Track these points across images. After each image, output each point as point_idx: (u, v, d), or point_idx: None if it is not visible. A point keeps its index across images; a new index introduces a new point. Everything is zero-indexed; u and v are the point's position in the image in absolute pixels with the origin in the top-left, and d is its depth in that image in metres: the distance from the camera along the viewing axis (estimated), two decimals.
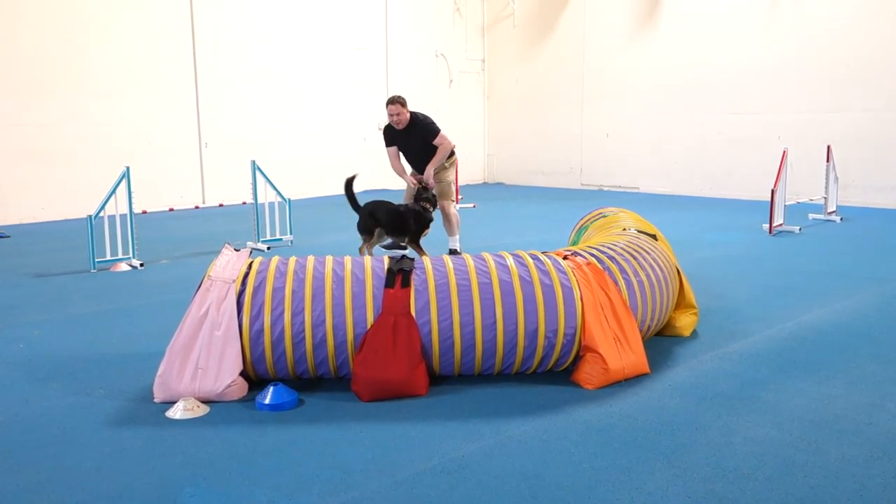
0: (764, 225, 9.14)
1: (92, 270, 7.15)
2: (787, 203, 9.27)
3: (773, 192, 8.76)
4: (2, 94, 10.43)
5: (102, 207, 7.28)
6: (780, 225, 9.01)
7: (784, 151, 9.27)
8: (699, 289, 5.64)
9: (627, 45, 14.14)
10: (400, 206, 7.16)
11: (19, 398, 3.90)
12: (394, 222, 7.02)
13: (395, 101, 7.18)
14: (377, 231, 7.06)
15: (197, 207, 10.50)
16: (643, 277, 4.34)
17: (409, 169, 7.68)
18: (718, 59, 12.88)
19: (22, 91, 10.56)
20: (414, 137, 7.30)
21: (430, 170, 7.25)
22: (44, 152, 10.84)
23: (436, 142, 7.25)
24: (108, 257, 7.36)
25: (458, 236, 7.58)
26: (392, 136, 7.41)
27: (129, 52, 11.63)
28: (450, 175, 7.60)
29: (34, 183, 10.81)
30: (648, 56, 13.84)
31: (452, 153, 7.52)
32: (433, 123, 7.35)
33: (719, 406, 3.67)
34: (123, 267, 7.29)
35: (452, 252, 7.34)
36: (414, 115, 7.27)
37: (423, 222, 7.06)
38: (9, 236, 9.38)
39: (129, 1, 11.56)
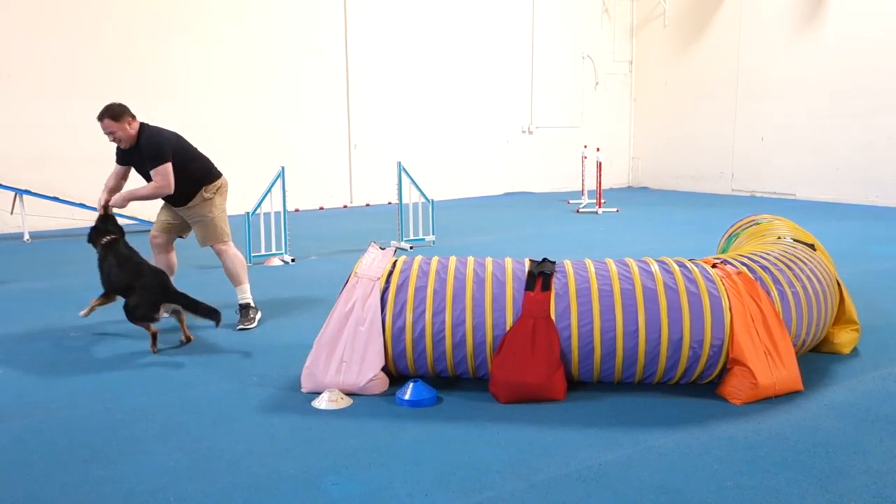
0: None
1: (248, 264, 7.56)
2: None
3: None
4: (176, 99, 11.27)
5: (259, 205, 7.71)
6: None
7: None
8: (862, 304, 5.25)
9: (789, 45, 13.39)
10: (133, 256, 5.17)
11: (182, 382, 4.20)
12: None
13: (103, 117, 5.00)
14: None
15: (345, 206, 10.92)
16: (798, 289, 4.10)
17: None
18: (889, 58, 11.94)
19: (193, 96, 11.35)
20: (141, 159, 5.22)
21: (122, 195, 5.21)
22: (209, 152, 11.59)
23: (154, 172, 5.09)
24: (263, 252, 7.79)
25: (247, 284, 5.48)
26: (121, 153, 5.31)
27: (285, 58, 12.27)
28: (214, 208, 5.47)
29: None
30: (812, 56, 13.02)
31: (216, 177, 5.53)
32: (161, 147, 5.11)
33: (882, 430, 3.41)
34: (276, 262, 7.70)
35: (244, 308, 5.39)
36: (143, 128, 5.15)
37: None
38: None
39: (288, 11, 12.19)
